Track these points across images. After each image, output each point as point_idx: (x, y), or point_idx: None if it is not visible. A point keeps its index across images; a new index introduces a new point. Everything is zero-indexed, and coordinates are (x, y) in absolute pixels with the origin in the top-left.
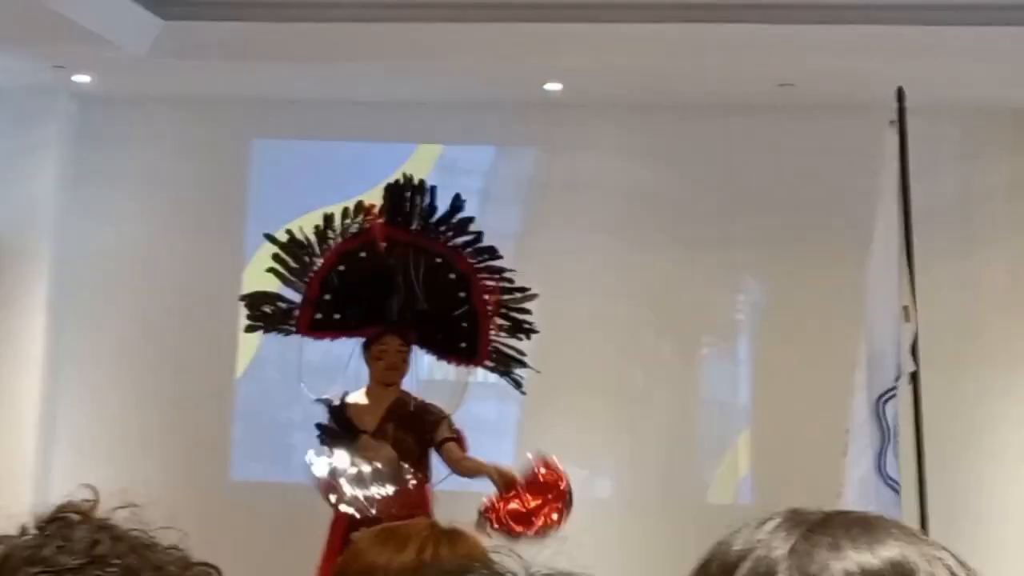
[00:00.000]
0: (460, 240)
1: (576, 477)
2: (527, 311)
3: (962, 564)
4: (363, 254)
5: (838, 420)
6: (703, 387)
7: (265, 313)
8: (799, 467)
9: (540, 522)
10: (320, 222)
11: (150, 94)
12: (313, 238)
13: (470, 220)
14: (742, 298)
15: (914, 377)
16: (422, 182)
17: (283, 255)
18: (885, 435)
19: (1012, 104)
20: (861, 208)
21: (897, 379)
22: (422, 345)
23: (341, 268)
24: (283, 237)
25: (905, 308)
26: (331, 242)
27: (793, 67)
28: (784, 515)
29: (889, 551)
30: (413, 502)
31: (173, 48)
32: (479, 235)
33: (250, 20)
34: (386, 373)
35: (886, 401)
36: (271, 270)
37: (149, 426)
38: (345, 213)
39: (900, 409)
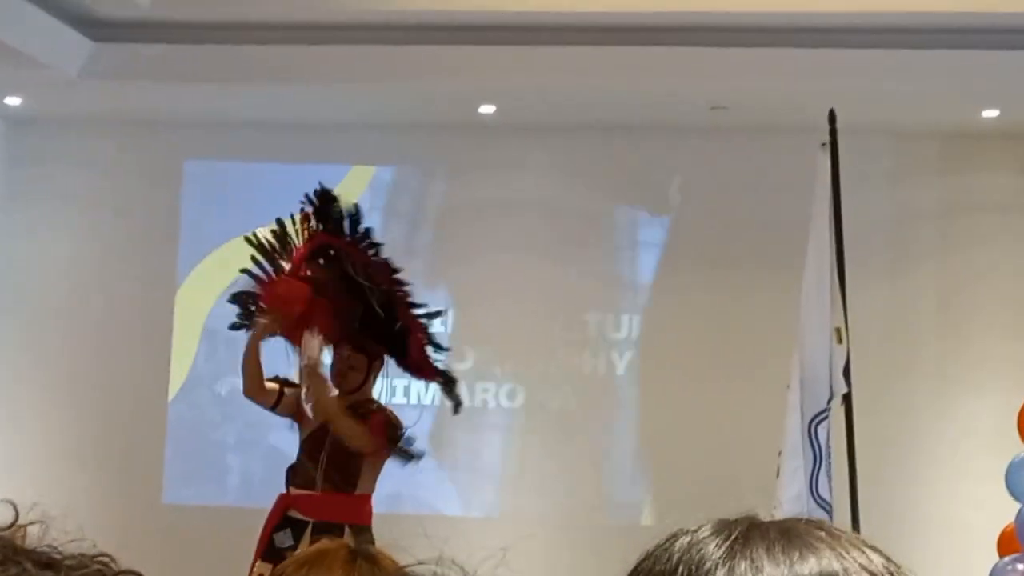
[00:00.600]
0: (371, 252)
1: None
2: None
3: (892, 566)
4: (321, 261)
5: (771, 441)
6: (629, 405)
7: (252, 312)
8: (727, 486)
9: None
10: (274, 227)
11: (81, 115)
12: (274, 241)
13: (371, 230)
14: (674, 317)
15: (847, 399)
16: (328, 191)
17: (259, 256)
18: (817, 456)
19: (941, 127)
20: (794, 230)
21: (830, 401)
22: (389, 355)
23: (308, 273)
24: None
25: (837, 330)
26: (291, 246)
27: (725, 90)
28: (712, 527)
29: (808, 567)
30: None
31: (103, 70)
32: (380, 245)
33: (181, 43)
34: (335, 379)
35: (818, 423)
36: (246, 270)
37: (80, 449)
38: (292, 221)
39: (833, 429)
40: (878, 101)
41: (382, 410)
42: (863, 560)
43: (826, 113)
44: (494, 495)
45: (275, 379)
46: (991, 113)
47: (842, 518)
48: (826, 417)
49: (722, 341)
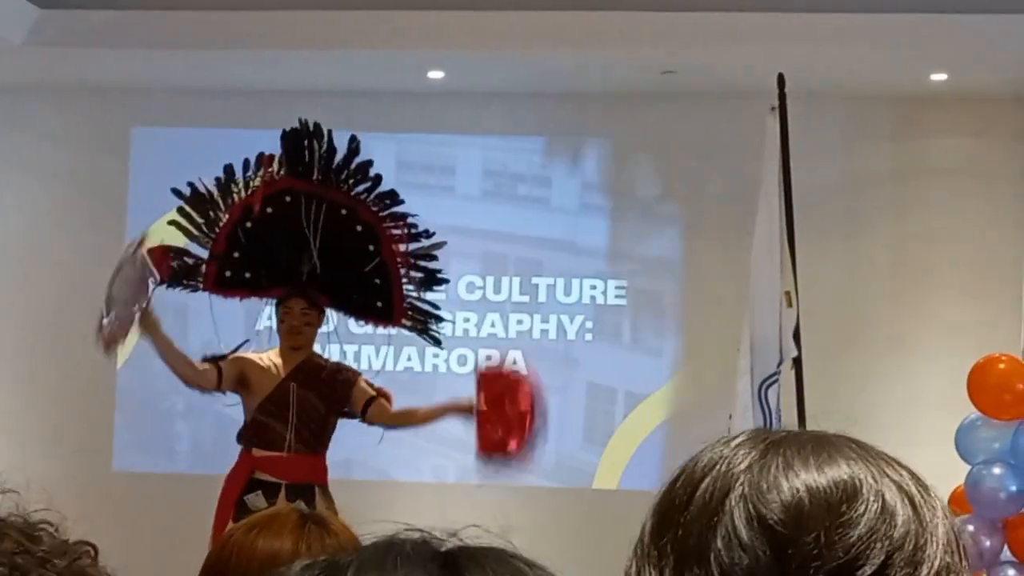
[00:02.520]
0: (362, 187)
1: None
2: (435, 258)
3: (919, 482)
4: (269, 209)
5: (722, 405)
6: (586, 372)
7: (171, 267)
8: (677, 449)
9: (526, 429)
10: (220, 175)
11: (26, 83)
12: (215, 191)
13: (369, 163)
14: (627, 283)
15: (797, 362)
16: (318, 126)
17: (188, 209)
18: (767, 420)
19: (892, 90)
20: (744, 194)
21: (780, 364)
22: (336, 307)
23: (248, 224)
24: (187, 192)
25: (787, 294)
26: (235, 196)
27: (675, 55)
28: (749, 434)
29: (837, 470)
30: None
31: (49, 36)
32: (378, 178)
33: (126, 8)
34: (288, 336)
35: (768, 387)
36: (174, 223)
37: (29, 417)
38: (246, 165)
39: (783, 392)
40: (827, 65)
41: (351, 371)
42: (892, 473)
43: (775, 77)
44: (445, 459)
45: (205, 360)
46: (940, 76)
47: None
48: (776, 380)
49: (672, 304)
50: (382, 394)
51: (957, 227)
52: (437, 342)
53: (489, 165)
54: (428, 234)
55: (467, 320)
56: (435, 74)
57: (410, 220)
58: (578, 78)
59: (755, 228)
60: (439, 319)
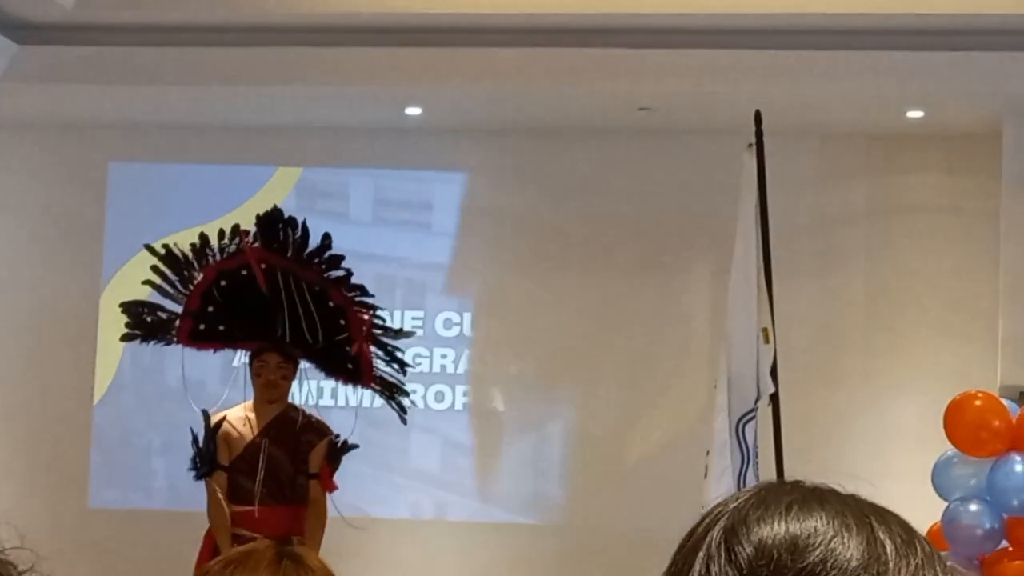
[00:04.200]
0: (333, 274)
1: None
2: (400, 349)
3: (903, 535)
4: (244, 272)
5: (699, 442)
6: (557, 406)
7: (145, 322)
8: (657, 486)
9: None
10: (195, 241)
11: (4, 118)
12: (191, 254)
13: (341, 258)
14: (602, 318)
15: (774, 398)
16: (292, 217)
17: (162, 267)
18: (745, 456)
19: (867, 128)
20: (721, 230)
21: (757, 401)
22: (308, 360)
23: (223, 283)
24: (161, 251)
25: (764, 330)
26: (209, 259)
27: (651, 91)
28: (760, 484)
29: (801, 524)
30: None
31: (27, 72)
32: (349, 272)
33: (104, 44)
34: (264, 390)
35: (746, 423)
36: (149, 282)
37: (5, 452)
38: (221, 234)
39: (761, 428)
40: (804, 102)
41: (319, 433)
42: (874, 524)
43: (752, 114)
44: (421, 496)
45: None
46: (916, 114)
47: None
48: (753, 417)
49: (650, 341)
50: (322, 473)
51: (933, 264)
52: (403, 412)
53: (466, 201)
54: (396, 332)
55: (444, 356)
56: (413, 110)
57: (379, 314)
58: (555, 114)
59: (732, 265)
60: (405, 393)
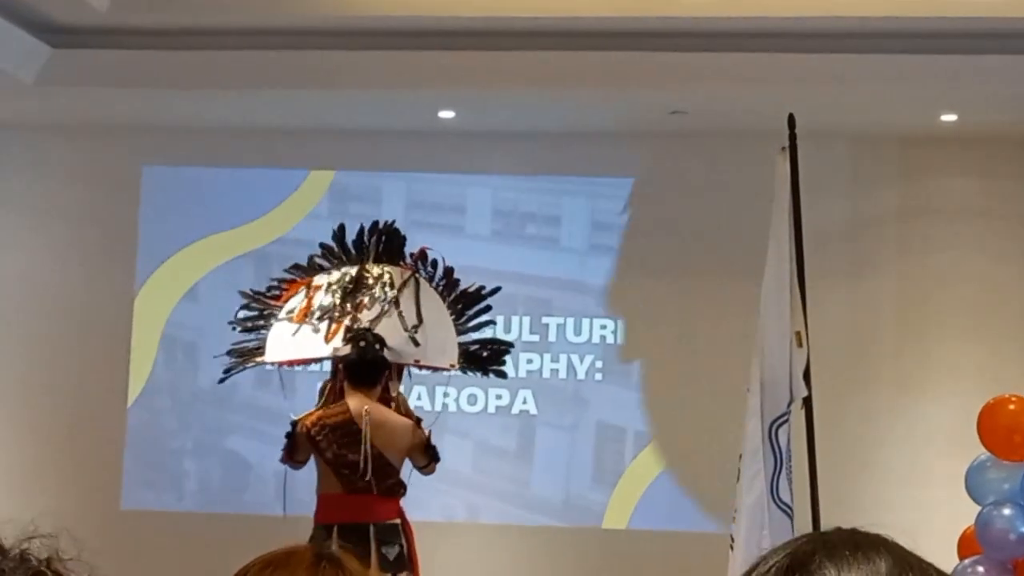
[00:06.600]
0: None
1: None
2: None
3: None
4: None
5: (731, 445)
6: (596, 412)
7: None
8: (690, 489)
9: None
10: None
11: (39, 121)
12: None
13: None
14: (636, 322)
15: (807, 402)
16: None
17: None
18: (777, 460)
19: (900, 130)
20: (754, 234)
21: (790, 404)
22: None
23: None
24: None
25: (797, 334)
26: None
27: (685, 95)
28: (804, 535)
29: (868, 566)
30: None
31: (61, 76)
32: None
33: (138, 48)
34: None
35: (779, 427)
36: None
37: (39, 456)
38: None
39: (793, 432)
40: (837, 106)
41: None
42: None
43: (785, 118)
44: (454, 499)
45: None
46: (949, 117)
47: (802, 521)
48: (786, 420)
49: (682, 345)
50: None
51: (965, 267)
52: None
53: (499, 204)
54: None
55: None
56: (446, 114)
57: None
58: (588, 118)
59: (765, 268)
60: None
